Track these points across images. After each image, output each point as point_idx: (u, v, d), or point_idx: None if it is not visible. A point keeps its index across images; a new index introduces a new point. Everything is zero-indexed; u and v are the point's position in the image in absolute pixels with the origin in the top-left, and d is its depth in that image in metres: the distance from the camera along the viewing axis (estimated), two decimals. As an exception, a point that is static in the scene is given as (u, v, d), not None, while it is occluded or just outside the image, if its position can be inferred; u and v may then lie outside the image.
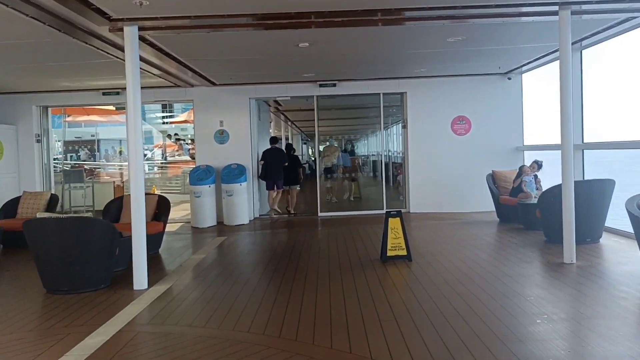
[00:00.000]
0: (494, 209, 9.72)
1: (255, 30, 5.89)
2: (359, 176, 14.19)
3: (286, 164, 11.15)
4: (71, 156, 21.26)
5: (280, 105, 14.43)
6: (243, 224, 10.47)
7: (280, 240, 8.83)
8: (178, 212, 12.68)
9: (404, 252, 6.49)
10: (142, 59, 7.51)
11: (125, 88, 5.85)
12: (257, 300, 5.11)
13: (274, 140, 11.68)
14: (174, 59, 7.64)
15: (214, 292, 5.49)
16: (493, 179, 9.65)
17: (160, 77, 9.24)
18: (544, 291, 5.23)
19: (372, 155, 19.32)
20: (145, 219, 7.44)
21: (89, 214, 12.21)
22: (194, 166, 11.06)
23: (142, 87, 10.39)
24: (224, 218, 10.57)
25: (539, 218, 7.69)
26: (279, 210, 11.41)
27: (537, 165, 9.09)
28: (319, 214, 11.34)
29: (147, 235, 7.25)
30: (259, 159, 11.21)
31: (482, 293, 5.01)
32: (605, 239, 7.31)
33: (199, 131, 11.15)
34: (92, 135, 25.13)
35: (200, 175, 10.53)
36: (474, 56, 8.84)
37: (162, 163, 20.88)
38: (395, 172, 13.25)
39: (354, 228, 9.44)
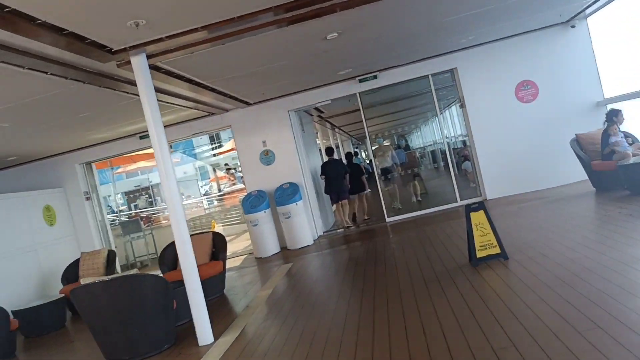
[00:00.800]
0: (587, 178, 8.42)
1: (277, 29, 5.12)
2: (420, 171, 13.09)
3: (347, 173, 10.75)
4: (135, 206, 21.72)
5: (322, 112, 13.66)
6: (308, 246, 9.73)
7: (350, 257, 7.99)
8: (242, 243, 12.21)
9: (497, 250, 5.48)
10: (166, 92, 7.00)
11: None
12: (337, 337, 4.35)
13: (330, 151, 11.30)
14: (198, 84, 7.03)
15: (288, 332, 4.82)
16: (579, 144, 8.34)
17: (191, 108, 8.74)
18: (698, 272, 4.03)
19: (429, 145, 18.16)
20: (202, 260, 6.94)
21: (144, 264, 12.04)
22: (245, 194, 10.46)
23: (177, 123, 10.14)
24: (287, 242, 9.90)
25: (651, 178, 6.39)
26: (349, 224, 10.84)
27: (621, 115, 7.72)
28: (387, 219, 10.40)
29: (207, 278, 6.68)
30: (320, 174, 10.89)
31: (615, 289, 3.91)
32: None
33: (243, 156, 10.53)
34: (150, 182, 25.62)
35: (253, 202, 9.90)
36: (527, 7, 7.60)
37: (218, 196, 20.69)
38: (458, 160, 12.06)
39: (429, 229, 8.42)
